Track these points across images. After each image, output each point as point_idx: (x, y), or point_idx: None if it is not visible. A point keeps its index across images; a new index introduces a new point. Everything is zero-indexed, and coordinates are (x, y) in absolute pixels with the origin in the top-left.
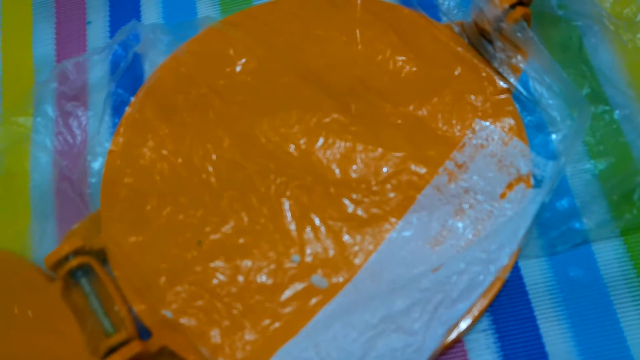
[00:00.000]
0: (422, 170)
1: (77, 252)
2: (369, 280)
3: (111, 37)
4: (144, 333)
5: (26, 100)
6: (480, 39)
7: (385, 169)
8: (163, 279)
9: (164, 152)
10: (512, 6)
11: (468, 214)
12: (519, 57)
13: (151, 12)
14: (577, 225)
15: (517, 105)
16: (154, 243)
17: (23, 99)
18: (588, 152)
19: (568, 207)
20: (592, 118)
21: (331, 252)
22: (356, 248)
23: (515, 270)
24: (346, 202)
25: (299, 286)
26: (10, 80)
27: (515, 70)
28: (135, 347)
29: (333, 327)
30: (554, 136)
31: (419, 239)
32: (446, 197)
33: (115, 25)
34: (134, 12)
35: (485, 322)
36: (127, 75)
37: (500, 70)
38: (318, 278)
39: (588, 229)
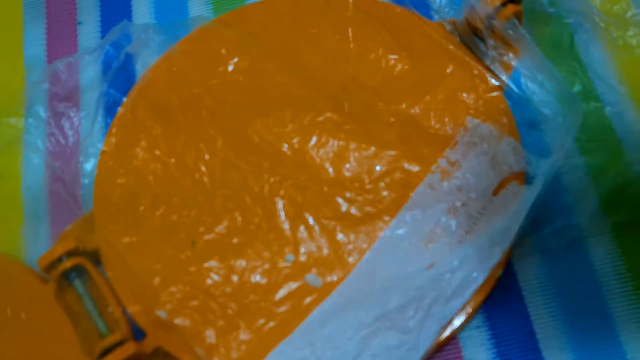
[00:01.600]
0: (415, 168)
1: (70, 254)
2: (363, 279)
3: (102, 37)
4: (138, 334)
5: (17, 102)
6: (472, 37)
7: (378, 168)
8: (157, 280)
9: (157, 152)
10: (504, 4)
11: (461, 212)
12: (511, 54)
13: (142, 12)
14: (569, 221)
15: (509, 103)
16: (147, 244)
17: (14, 100)
18: (580, 149)
19: (560, 203)
20: (583, 115)
21: (325, 251)
22: (350, 247)
23: (509, 267)
24: (340, 200)
25: (293, 285)
26: (1, 81)
27: (507, 67)
28: (130, 348)
29: (328, 325)
30: (546, 133)
31: (412, 237)
32: (439, 195)
33: (106, 25)
34: (125, 12)
35: (479, 319)
36: (119, 76)
37: (492, 67)
38: (312, 277)
39: (580, 225)
